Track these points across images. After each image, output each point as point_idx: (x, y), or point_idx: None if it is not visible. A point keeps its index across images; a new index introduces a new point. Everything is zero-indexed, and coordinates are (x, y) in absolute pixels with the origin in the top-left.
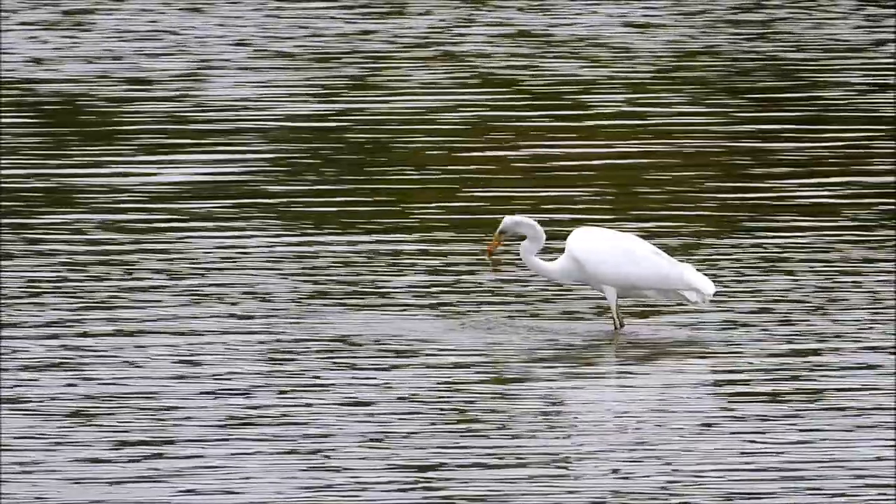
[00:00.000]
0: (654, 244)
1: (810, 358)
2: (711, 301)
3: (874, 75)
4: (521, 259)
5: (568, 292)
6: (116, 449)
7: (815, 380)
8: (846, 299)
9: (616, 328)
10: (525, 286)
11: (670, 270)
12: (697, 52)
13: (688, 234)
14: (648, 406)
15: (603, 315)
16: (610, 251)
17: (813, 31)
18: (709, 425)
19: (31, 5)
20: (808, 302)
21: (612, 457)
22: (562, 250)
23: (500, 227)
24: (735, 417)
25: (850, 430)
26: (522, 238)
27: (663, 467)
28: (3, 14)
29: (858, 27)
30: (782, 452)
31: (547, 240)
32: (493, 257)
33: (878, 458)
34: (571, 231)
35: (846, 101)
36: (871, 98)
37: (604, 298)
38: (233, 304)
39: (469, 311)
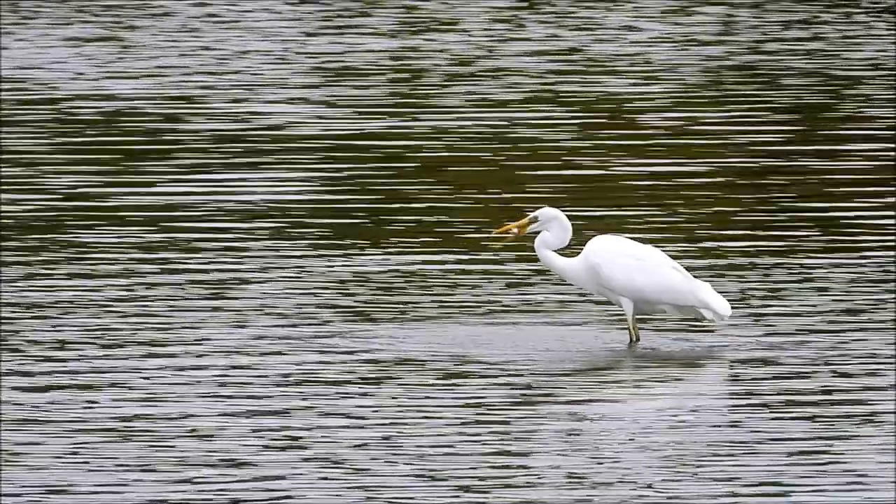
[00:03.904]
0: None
1: (838, 375)
2: (738, 319)
3: None
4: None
5: (585, 302)
6: (150, 469)
7: (843, 396)
8: (875, 319)
9: (632, 341)
10: (546, 298)
11: (683, 285)
12: (739, 68)
13: (720, 250)
14: (676, 422)
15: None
16: (624, 260)
17: (856, 48)
18: (737, 442)
19: (76, 20)
20: (837, 320)
21: (643, 473)
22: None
23: (535, 215)
24: (761, 435)
25: (878, 446)
26: (538, 232)
27: (697, 486)
28: (49, 30)
29: None
30: (817, 474)
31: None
32: (504, 241)
33: None
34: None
35: (889, 119)
36: None
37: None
38: (267, 321)
39: (492, 326)
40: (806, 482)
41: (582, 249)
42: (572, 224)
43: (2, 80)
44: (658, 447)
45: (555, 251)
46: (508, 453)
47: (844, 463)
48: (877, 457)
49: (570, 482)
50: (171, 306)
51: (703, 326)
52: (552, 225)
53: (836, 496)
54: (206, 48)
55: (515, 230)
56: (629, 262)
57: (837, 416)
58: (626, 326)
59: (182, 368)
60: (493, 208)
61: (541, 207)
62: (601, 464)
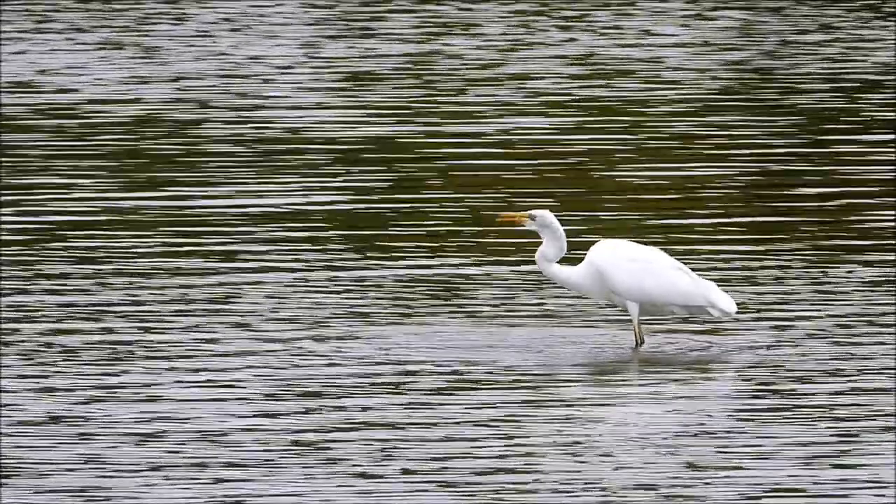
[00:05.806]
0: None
1: (850, 381)
2: (748, 323)
3: None
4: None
5: (591, 305)
6: (159, 475)
7: (855, 402)
8: (888, 324)
9: (637, 344)
10: (552, 302)
11: (689, 286)
12: (755, 72)
13: (733, 254)
14: (687, 426)
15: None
16: (630, 264)
17: (873, 53)
18: (749, 447)
19: (93, 26)
20: (849, 325)
21: (655, 477)
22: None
23: (532, 214)
24: (772, 440)
25: (891, 451)
26: (538, 237)
27: (710, 490)
28: (66, 36)
29: None
30: (830, 480)
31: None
32: (504, 223)
33: None
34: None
35: None
36: None
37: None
38: (276, 326)
39: (499, 330)
40: (819, 488)
41: (584, 255)
42: (585, 227)
43: (20, 86)
44: (670, 451)
45: (556, 261)
46: (518, 458)
47: (857, 468)
48: (890, 461)
49: (581, 487)
50: (181, 311)
51: (711, 329)
52: (545, 234)
53: (850, 502)
54: (224, 53)
55: (513, 223)
56: (636, 265)
57: (850, 422)
58: (631, 329)
59: (191, 374)
60: (507, 213)
61: (543, 210)
62: (613, 468)
